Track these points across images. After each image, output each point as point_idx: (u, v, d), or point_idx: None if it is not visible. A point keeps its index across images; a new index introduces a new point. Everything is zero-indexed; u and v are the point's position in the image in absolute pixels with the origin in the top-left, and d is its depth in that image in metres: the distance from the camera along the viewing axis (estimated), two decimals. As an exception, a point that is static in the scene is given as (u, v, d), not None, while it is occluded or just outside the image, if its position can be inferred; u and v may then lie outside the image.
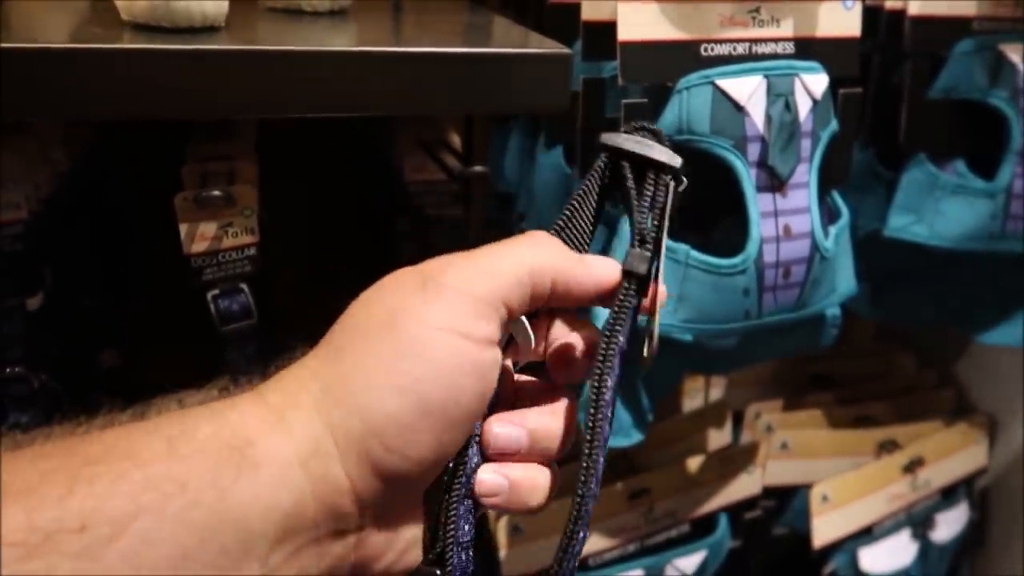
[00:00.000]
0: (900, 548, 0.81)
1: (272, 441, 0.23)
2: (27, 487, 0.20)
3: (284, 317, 0.59)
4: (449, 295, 0.25)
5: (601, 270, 0.29)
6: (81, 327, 0.60)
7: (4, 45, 0.36)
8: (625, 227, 0.54)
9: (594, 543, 0.72)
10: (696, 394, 0.87)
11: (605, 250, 0.57)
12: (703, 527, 0.77)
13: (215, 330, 0.50)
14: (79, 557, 0.20)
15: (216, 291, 0.49)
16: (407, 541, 0.27)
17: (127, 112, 0.41)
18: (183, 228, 0.48)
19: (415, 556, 0.27)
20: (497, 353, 0.26)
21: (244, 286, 0.50)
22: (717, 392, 0.89)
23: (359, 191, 0.76)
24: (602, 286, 0.29)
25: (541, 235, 0.29)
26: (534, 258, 0.27)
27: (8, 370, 0.50)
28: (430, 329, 0.25)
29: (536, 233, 0.29)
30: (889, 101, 0.66)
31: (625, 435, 0.62)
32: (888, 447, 0.84)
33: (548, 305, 0.28)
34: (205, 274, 0.49)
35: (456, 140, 0.62)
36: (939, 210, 0.67)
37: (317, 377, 0.25)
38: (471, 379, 0.25)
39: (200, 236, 0.48)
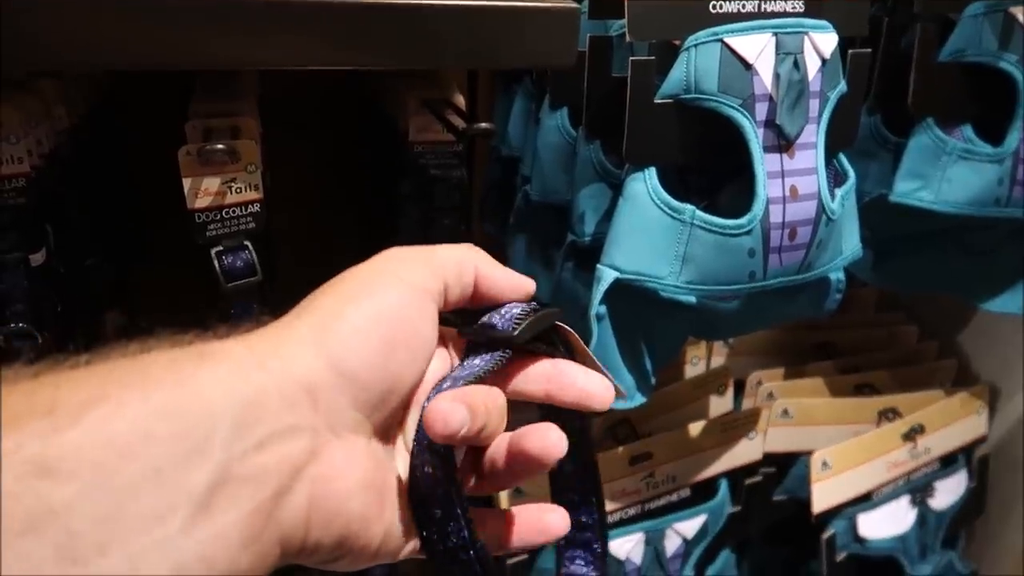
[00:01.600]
0: (899, 515, 0.82)
1: (231, 347, 0.26)
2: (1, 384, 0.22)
3: (288, 276, 0.59)
4: (395, 264, 0.30)
5: (520, 278, 0.34)
6: (85, 286, 0.60)
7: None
8: (632, 186, 0.54)
9: (595, 506, 0.72)
10: (698, 362, 0.87)
11: (610, 213, 0.57)
12: (703, 492, 0.78)
13: (219, 287, 0.50)
14: (47, 433, 0.21)
15: (220, 247, 0.49)
16: (365, 472, 0.28)
17: (124, 63, 0.40)
18: (186, 183, 0.47)
19: (372, 503, 0.28)
20: (435, 330, 0.31)
21: (248, 243, 0.50)
22: (719, 361, 0.89)
23: (362, 151, 0.75)
24: (517, 289, 0.34)
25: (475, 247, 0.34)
26: (464, 253, 0.33)
27: (12, 325, 0.50)
28: (381, 274, 0.30)
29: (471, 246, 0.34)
30: (897, 65, 0.66)
31: (628, 397, 0.62)
32: (889, 415, 0.84)
33: (473, 299, 0.33)
34: (209, 230, 0.49)
35: (461, 101, 0.62)
36: (946, 176, 0.66)
37: (287, 317, 0.28)
38: (417, 312, 0.29)
39: (203, 191, 0.48)
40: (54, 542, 0.20)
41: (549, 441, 0.30)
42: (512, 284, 0.34)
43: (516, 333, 0.31)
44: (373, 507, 0.28)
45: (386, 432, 0.30)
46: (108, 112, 0.66)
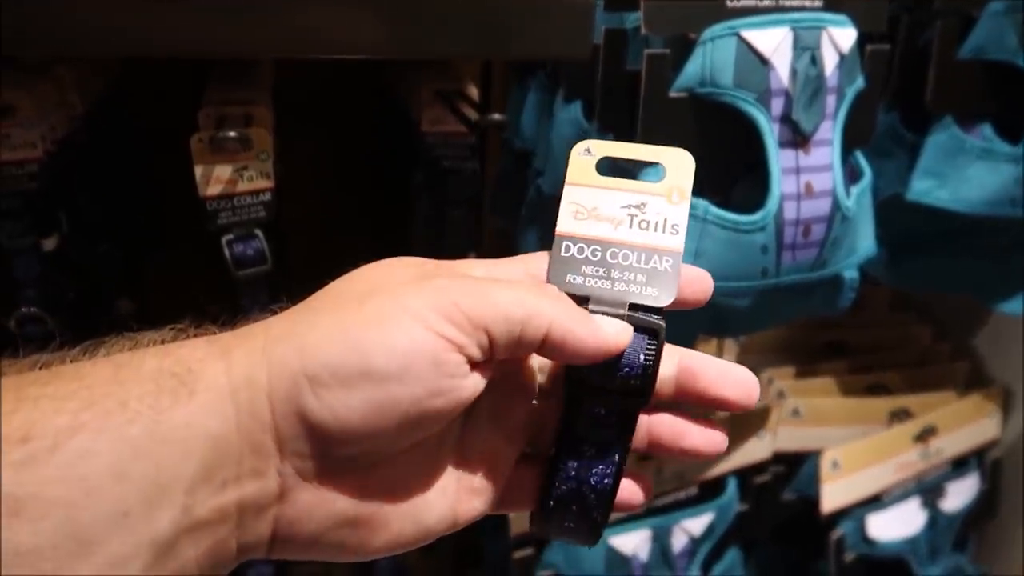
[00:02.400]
0: (909, 516, 0.81)
1: (210, 370, 0.23)
2: None
3: (298, 265, 0.59)
4: (433, 292, 0.24)
5: (609, 330, 0.26)
6: (96, 273, 0.60)
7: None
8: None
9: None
10: (708, 359, 0.86)
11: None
12: (711, 490, 0.77)
13: (229, 275, 0.50)
14: (20, 466, 0.20)
15: (231, 235, 0.49)
16: (341, 514, 0.25)
17: (138, 50, 0.40)
18: (198, 170, 0.48)
19: (349, 535, 0.26)
20: (468, 375, 0.25)
21: (259, 232, 0.50)
22: (730, 359, 0.88)
23: (376, 142, 0.75)
24: (606, 348, 0.26)
25: (552, 288, 0.27)
26: (535, 303, 0.25)
27: (24, 310, 0.50)
28: (399, 309, 0.24)
29: (547, 285, 0.28)
30: (916, 62, 0.65)
31: (637, 393, 0.61)
32: (900, 416, 0.84)
33: (539, 354, 0.26)
34: (220, 218, 0.49)
35: (475, 93, 0.61)
36: (964, 175, 0.66)
37: (274, 325, 0.25)
38: (427, 373, 0.24)
39: (215, 179, 0.48)
40: None
41: (716, 440, 0.29)
42: (599, 343, 0.26)
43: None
44: (353, 538, 0.26)
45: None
46: (122, 99, 0.66)
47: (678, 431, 0.29)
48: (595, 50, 0.55)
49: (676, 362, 0.28)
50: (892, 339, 0.96)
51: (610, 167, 0.31)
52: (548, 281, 0.28)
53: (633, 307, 0.27)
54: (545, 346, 0.25)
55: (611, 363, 0.26)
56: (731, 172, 0.57)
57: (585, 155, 0.30)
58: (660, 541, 0.74)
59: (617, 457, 0.28)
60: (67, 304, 0.55)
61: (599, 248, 0.28)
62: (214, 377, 0.23)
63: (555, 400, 0.29)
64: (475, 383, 0.25)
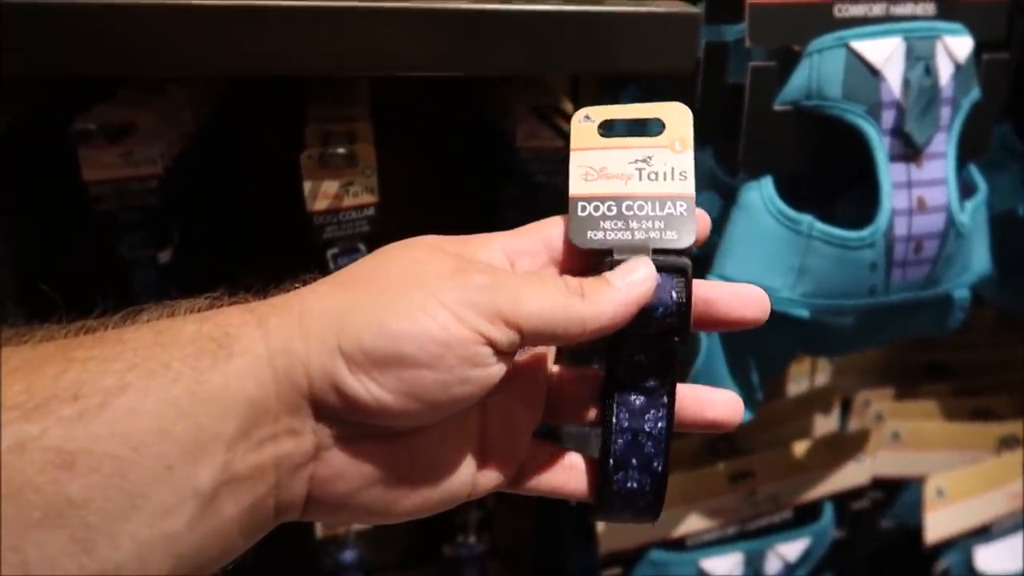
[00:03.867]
0: (1020, 549, 0.77)
1: (247, 336, 0.24)
2: (27, 365, 0.22)
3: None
4: (470, 291, 0.25)
5: (635, 278, 0.27)
6: (207, 285, 0.63)
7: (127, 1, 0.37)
8: (747, 195, 0.52)
9: (693, 523, 0.71)
10: (801, 379, 0.84)
11: (720, 222, 0.56)
12: (807, 514, 0.75)
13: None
14: (70, 422, 0.21)
15: (336, 249, 0.50)
16: (371, 475, 0.26)
17: (245, 68, 0.41)
18: (307, 186, 0.49)
19: (377, 496, 0.26)
20: (496, 363, 0.25)
21: (362, 246, 0.51)
22: (823, 378, 0.86)
23: (471, 156, 0.76)
24: (637, 300, 0.27)
25: (572, 280, 0.27)
26: (566, 306, 0.26)
27: (140, 320, 0.52)
28: (435, 303, 0.25)
29: (569, 278, 0.27)
30: (1032, 70, 0.62)
31: (734, 412, 0.60)
32: (1009, 443, 0.79)
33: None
34: (326, 232, 0.50)
35: (570, 108, 0.61)
36: (1084, 189, 0.62)
37: (308, 298, 0.26)
38: (458, 362, 0.25)
39: (323, 194, 0.49)
40: (70, 534, 0.21)
41: (737, 407, 0.29)
42: (628, 302, 0.27)
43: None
44: (384, 498, 0.27)
45: None
46: (229, 116, 0.68)
47: (700, 404, 0.29)
48: (695, 63, 0.54)
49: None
50: (998, 362, 0.91)
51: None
52: (570, 241, 0.28)
53: (656, 252, 0.28)
54: (585, 338, 0.26)
55: (646, 308, 0.27)
56: (838, 186, 0.55)
57: (586, 121, 0.31)
58: (753, 565, 0.71)
59: (666, 399, 0.28)
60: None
61: (614, 203, 0.29)
62: (251, 342, 0.24)
63: (568, 368, 0.30)
64: (501, 369, 0.26)
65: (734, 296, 0.29)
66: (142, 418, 0.22)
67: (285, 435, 0.24)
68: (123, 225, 0.50)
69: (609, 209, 0.28)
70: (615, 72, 0.58)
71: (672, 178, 0.29)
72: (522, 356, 0.29)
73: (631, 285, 0.27)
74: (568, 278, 0.27)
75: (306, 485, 0.25)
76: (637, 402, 0.28)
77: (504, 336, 0.25)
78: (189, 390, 0.23)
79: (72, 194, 0.50)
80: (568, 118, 0.61)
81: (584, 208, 0.28)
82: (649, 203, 0.28)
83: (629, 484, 0.28)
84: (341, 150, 0.47)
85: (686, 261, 0.28)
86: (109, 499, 0.21)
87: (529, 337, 0.25)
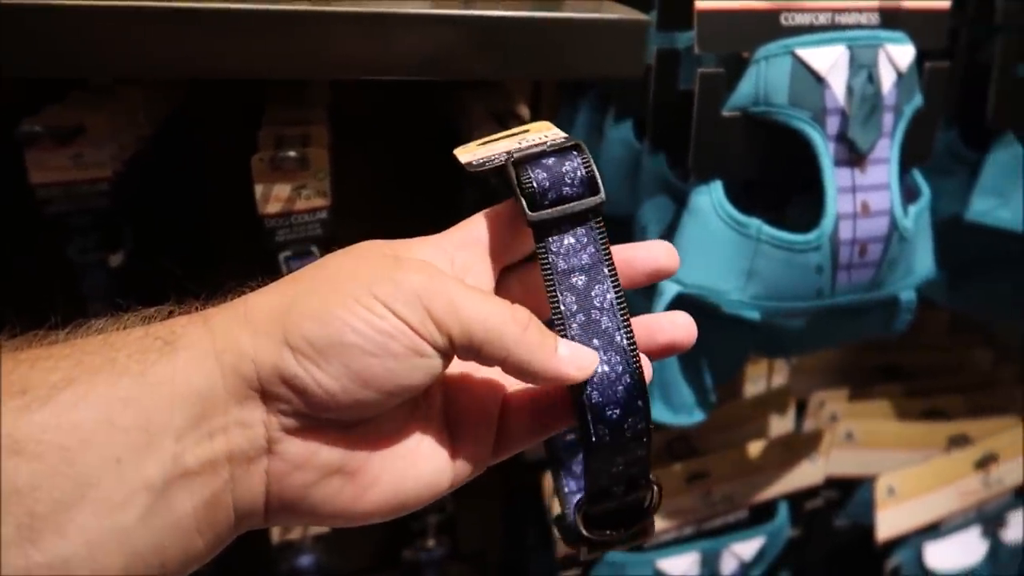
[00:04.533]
0: (969, 546, 0.79)
1: (193, 333, 0.25)
2: None
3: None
4: (405, 290, 0.25)
5: (564, 354, 0.27)
6: (159, 289, 0.62)
7: (80, 3, 0.37)
8: (697, 200, 0.53)
9: (650, 523, 0.71)
10: (758, 380, 0.85)
11: (673, 226, 0.57)
12: (762, 514, 0.76)
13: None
14: (19, 411, 0.22)
15: (288, 252, 0.50)
16: (328, 464, 0.26)
17: (201, 71, 0.41)
18: (258, 189, 0.49)
19: (338, 487, 0.26)
20: (435, 358, 0.26)
21: (315, 249, 0.51)
22: (780, 379, 0.87)
23: (427, 161, 0.76)
24: (560, 375, 0.27)
25: (520, 309, 0.27)
26: (499, 328, 0.26)
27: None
28: (370, 295, 0.25)
29: (517, 307, 0.27)
30: (976, 78, 0.64)
31: (687, 413, 0.61)
32: (959, 442, 0.81)
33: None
34: (278, 235, 0.50)
35: (526, 112, 0.62)
36: (1026, 194, 0.64)
37: (252, 300, 0.26)
38: (399, 350, 0.25)
39: (274, 198, 0.49)
40: (16, 521, 0.21)
41: (689, 327, 0.30)
42: (555, 370, 0.26)
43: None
44: (346, 490, 0.26)
45: None
46: (185, 121, 0.68)
47: (650, 331, 0.30)
48: (647, 70, 0.55)
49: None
50: (950, 363, 0.93)
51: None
52: (494, 222, 0.30)
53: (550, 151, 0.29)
54: (504, 367, 0.27)
55: (558, 186, 0.28)
56: (785, 191, 0.56)
57: (463, 148, 0.33)
58: (709, 565, 0.72)
59: (607, 270, 0.28)
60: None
61: (504, 153, 0.30)
62: (197, 338, 0.25)
63: None
64: (446, 360, 0.26)
65: (647, 249, 0.31)
66: (88, 409, 0.22)
67: (236, 427, 0.25)
68: (72, 228, 0.49)
69: (500, 157, 0.30)
70: (565, 77, 0.59)
71: (547, 137, 0.31)
72: None
73: (570, 363, 0.26)
74: (519, 308, 0.27)
75: (263, 481, 0.25)
76: (579, 282, 0.28)
77: (434, 336, 0.25)
78: (135, 383, 0.23)
79: (20, 197, 0.49)
80: (525, 123, 0.61)
81: (481, 165, 0.30)
82: (532, 139, 0.30)
83: (599, 368, 0.27)
84: (292, 153, 0.47)
85: (577, 140, 0.29)
86: (56, 487, 0.21)
87: (459, 344, 0.26)
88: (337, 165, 0.57)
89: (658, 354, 0.30)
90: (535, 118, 0.72)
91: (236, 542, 0.27)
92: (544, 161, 0.28)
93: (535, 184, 0.28)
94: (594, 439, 0.26)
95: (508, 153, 0.29)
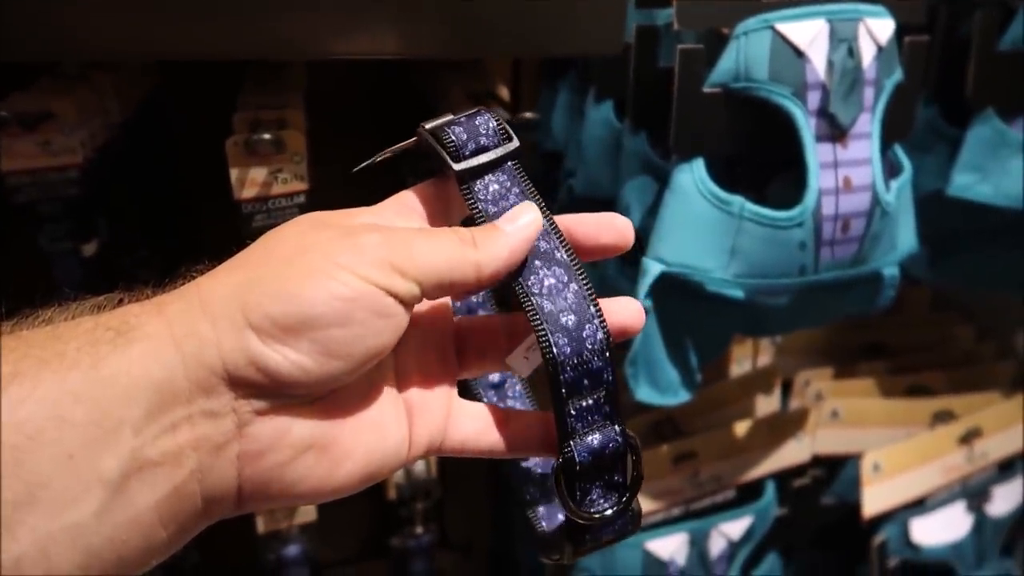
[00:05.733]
0: (954, 520, 0.79)
1: (148, 323, 0.24)
2: None
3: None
4: (364, 248, 0.26)
5: (515, 225, 0.28)
6: (134, 279, 0.61)
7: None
8: (679, 178, 0.53)
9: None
10: (744, 361, 0.85)
11: (656, 203, 0.56)
12: (749, 493, 0.76)
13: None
14: None
15: (266, 238, 0.49)
16: (300, 440, 0.26)
17: (173, 52, 0.41)
18: (233, 173, 0.48)
19: (311, 464, 0.26)
20: (402, 312, 0.26)
21: (293, 234, 0.50)
22: (765, 359, 0.87)
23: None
24: (525, 239, 0.28)
25: (463, 231, 0.28)
26: (457, 252, 0.27)
27: (65, 314, 0.50)
28: (333, 264, 0.25)
29: (459, 229, 0.28)
30: (956, 54, 0.64)
31: (673, 393, 0.61)
32: (943, 417, 0.82)
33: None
34: (255, 220, 0.49)
35: (505, 93, 0.61)
36: (1006, 169, 0.64)
37: (204, 284, 0.26)
38: (365, 316, 0.25)
39: (250, 182, 0.48)
40: None
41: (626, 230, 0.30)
42: (515, 246, 0.28)
43: None
44: (320, 465, 0.26)
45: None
46: (159, 105, 0.67)
47: (590, 232, 0.30)
48: (626, 48, 0.55)
49: (560, 227, 0.30)
50: (934, 339, 0.93)
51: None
52: (426, 194, 0.30)
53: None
54: (477, 286, 0.27)
55: (475, 138, 0.29)
56: (768, 168, 0.56)
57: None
58: (698, 545, 0.72)
59: (557, 239, 0.29)
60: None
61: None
62: (153, 328, 0.24)
63: (469, 319, 0.31)
64: (406, 316, 0.26)
65: (595, 224, 0.30)
66: (35, 405, 0.21)
67: (201, 416, 0.24)
68: (43, 217, 0.48)
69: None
70: (544, 55, 0.59)
71: None
72: (424, 308, 0.29)
73: (519, 229, 0.28)
74: (460, 229, 0.28)
75: (234, 466, 0.25)
76: (538, 267, 0.29)
77: (404, 287, 0.26)
78: (86, 376, 0.22)
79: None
80: (504, 104, 0.61)
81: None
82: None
83: (566, 350, 0.27)
84: (267, 136, 0.47)
85: (483, 109, 0.30)
86: (6, 488, 0.21)
87: (428, 286, 0.26)
88: (315, 149, 0.56)
89: (599, 253, 0.30)
90: (515, 99, 0.71)
91: (222, 533, 0.27)
92: (457, 121, 0.30)
93: (454, 138, 0.29)
94: (554, 353, 0.27)
95: (421, 126, 0.30)
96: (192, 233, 0.73)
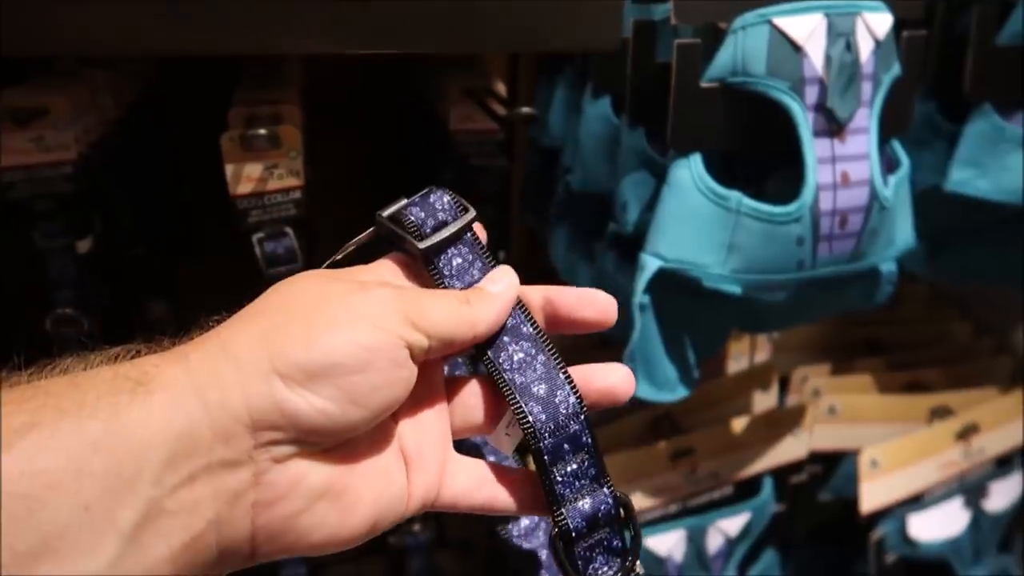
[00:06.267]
0: (951, 516, 0.79)
1: (168, 372, 0.24)
2: None
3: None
4: (380, 301, 0.27)
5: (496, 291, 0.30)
6: (130, 275, 0.61)
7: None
8: (676, 173, 0.53)
9: (635, 502, 0.71)
10: (741, 357, 0.85)
11: (654, 200, 0.56)
12: (747, 490, 0.76)
13: (261, 275, 0.50)
14: None
15: (262, 234, 0.49)
16: (315, 488, 0.26)
17: (167, 49, 0.40)
18: (229, 169, 0.48)
19: (324, 512, 0.26)
20: (412, 365, 0.27)
21: (289, 229, 0.50)
22: (763, 356, 0.87)
23: (404, 141, 0.75)
24: (503, 309, 0.30)
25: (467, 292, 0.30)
26: (464, 313, 0.29)
27: (59, 311, 0.50)
28: (354, 315, 0.26)
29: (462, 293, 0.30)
30: (954, 49, 0.63)
31: (670, 390, 0.60)
32: (941, 413, 0.82)
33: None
34: (251, 216, 0.49)
35: (503, 89, 0.61)
36: (1004, 164, 0.64)
37: (225, 333, 0.26)
38: (384, 364, 0.26)
39: (246, 178, 0.48)
40: None
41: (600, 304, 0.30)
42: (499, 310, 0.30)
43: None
44: (332, 513, 0.27)
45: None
46: (155, 103, 0.66)
47: (571, 305, 0.31)
48: (624, 43, 0.55)
49: (541, 295, 0.32)
50: (931, 336, 0.93)
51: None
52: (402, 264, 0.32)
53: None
54: (476, 339, 0.29)
55: (433, 214, 0.31)
56: (765, 163, 0.56)
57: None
58: (695, 542, 0.72)
59: (522, 313, 0.30)
60: (101, 306, 0.55)
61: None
62: (173, 377, 0.24)
63: (453, 379, 0.32)
64: (415, 371, 0.28)
65: (579, 299, 0.31)
66: (53, 455, 0.21)
67: (219, 466, 0.24)
68: (37, 213, 0.48)
69: None
70: (540, 50, 0.58)
71: None
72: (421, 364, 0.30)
73: (505, 289, 0.30)
74: (456, 292, 0.30)
75: (248, 515, 0.25)
76: (511, 346, 0.30)
77: (416, 339, 0.27)
78: (106, 427, 0.22)
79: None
80: (502, 101, 0.61)
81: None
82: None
83: (541, 417, 0.29)
84: (262, 131, 0.46)
85: (434, 188, 0.31)
86: (20, 539, 0.20)
87: (435, 340, 0.28)
88: (312, 146, 0.56)
89: (578, 326, 0.31)
90: (512, 95, 0.71)
91: None
92: (413, 202, 0.31)
93: (413, 218, 0.30)
94: (533, 427, 0.28)
95: (379, 214, 0.31)
96: (188, 230, 0.73)
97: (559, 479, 0.28)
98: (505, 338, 0.30)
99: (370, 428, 0.27)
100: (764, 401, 0.81)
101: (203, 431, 0.24)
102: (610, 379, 0.30)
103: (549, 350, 0.30)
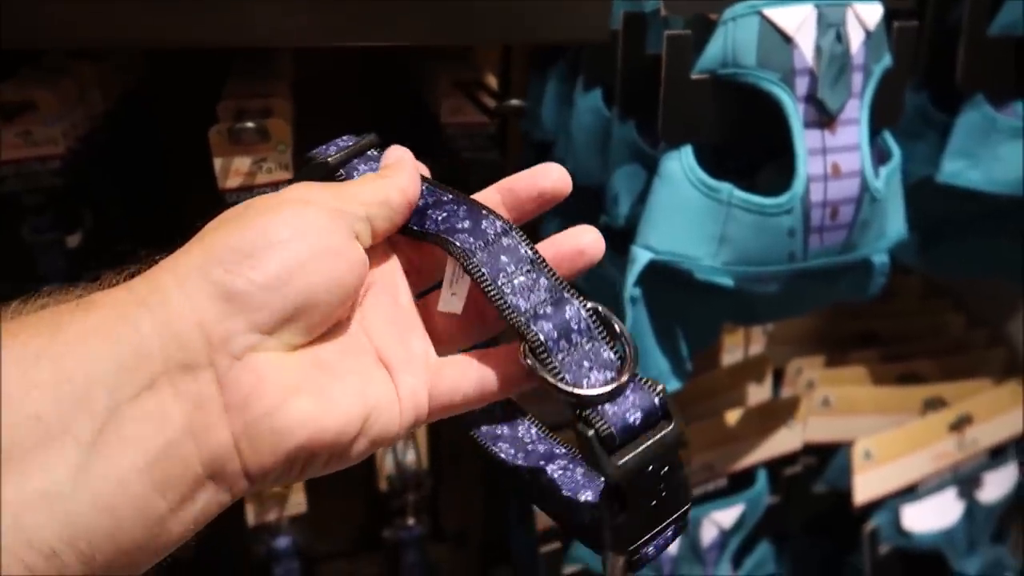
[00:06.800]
0: (945, 507, 0.79)
1: (110, 293, 0.24)
2: None
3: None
4: (314, 189, 0.27)
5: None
6: (120, 269, 0.61)
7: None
8: (667, 165, 0.53)
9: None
10: (735, 349, 0.85)
11: (645, 191, 0.56)
12: (741, 482, 0.76)
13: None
14: None
15: (251, 228, 0.49)
16: (286, 383, 0.25)
17: (156, 41, 0.40)
18: (217, 163, 0.47)
19: (305, 405, 0.25)
20: (360, 250, 0.27)
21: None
22: (757, 348, 0.87)
23: (395, 134, 0.75)
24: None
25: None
26: (391, 184, 0.29)
27: (49, 306, 0.50)
28: (284, 200, 0.26)
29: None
30: (946, 40, 0.63)
31: (663, 382, 0.60)
32: (934, 405, 0.82)
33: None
34: (240, 210, 0.48)
35: (493, 82, 0.61)
36: (996, 155, 0.64)
37: (165, 258, 0.26)
38: (325, 232, 0.26)
39: (234, 171, 0.48)
40: None
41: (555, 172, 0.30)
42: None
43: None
44: (312, 406, 0.25)
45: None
46: (144, 96, 0.66)
47: (528, 183, 0.31)
48: (614, 35, 0.54)
49: (496, 191, 0.31)
50: (924, 327, 0.94)
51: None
52: None
53: None
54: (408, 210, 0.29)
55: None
56: (756, 155, 0.56)
57: None
58: (689, 534, 0.73)
59: (479, 208, 0.29)
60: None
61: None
62: (114, 295, 0.24)
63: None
64: (362, 255, 0.27)
65: (530, 175, 0.31)
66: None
67: (178, 370, 0.23)
68: (26, 208, 0.48)
69: None
70: (530, 42, 0.58)
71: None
72: (376, 266, 0.29)
73: (401, 154, 0.31)
74: (369, 174, 0.30)
75: (224, 421, 0.24)
76: (464, 225, 0.29)
77: (352, 209, 0.27)
78: (49, 340, 0.22)
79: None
80: (493, 94, 0.60)
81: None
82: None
83: (469, 239, 0.28)
84: (251, 124, 0.46)
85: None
86: None
87: (372, 208, 0.28)
88: (303, 140, 0.56)
89: (536, 203, 0.31)
90: (504, 87, 0.71)
91: (211, 524, 0.26)
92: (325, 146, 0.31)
93: (320, 152, 0.31)
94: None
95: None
96: (177, 224, 0.72)
97: (507, 290, 0.27)
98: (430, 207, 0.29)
99: (329, 322, 0.26)
100: (758, 393, 0.81)
101: (149, 334, 0.23)
102: (581, 241, 0.30)
103: (482, 209, 0.29)
